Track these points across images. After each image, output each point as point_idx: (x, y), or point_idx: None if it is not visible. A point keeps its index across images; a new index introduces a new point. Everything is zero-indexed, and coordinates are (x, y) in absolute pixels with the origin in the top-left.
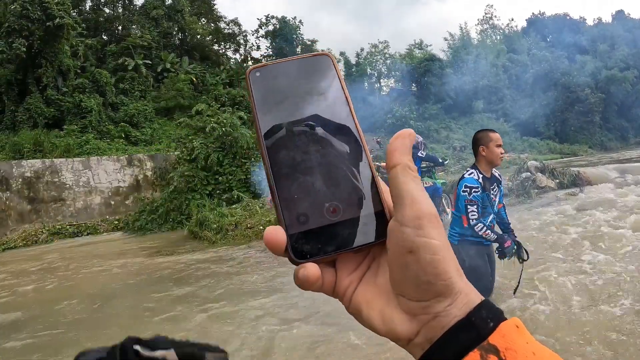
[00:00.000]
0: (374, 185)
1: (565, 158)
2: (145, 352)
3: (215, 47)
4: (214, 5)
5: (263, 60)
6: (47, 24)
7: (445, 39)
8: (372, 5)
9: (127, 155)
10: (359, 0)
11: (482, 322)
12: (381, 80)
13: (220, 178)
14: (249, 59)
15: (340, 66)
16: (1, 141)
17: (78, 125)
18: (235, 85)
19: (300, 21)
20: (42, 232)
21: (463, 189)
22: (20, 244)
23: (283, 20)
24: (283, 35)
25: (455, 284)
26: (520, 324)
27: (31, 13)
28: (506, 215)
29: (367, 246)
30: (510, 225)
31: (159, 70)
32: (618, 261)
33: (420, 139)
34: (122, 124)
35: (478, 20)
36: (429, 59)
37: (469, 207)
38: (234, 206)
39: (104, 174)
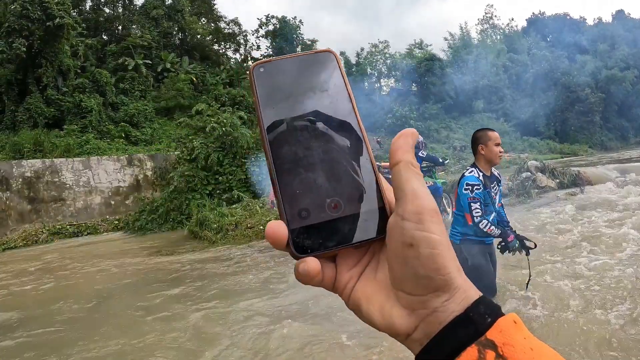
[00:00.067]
0: (375, 182)
1: (566, 158)
2: None
3: (215, 47)
4: (214, 5)
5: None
6: (47, 23)
7: (446, 39)
8: (372, 5)
9: (127, 155)
10: (359, 0)
11: (480, 317)
12: (381, 80)
13: (220, 178)
14: (249, 58)
15: None
16: (1, 141)
17: (78, 125)
18: (235, 85)
19: (300, 21)
20: (42, 232)
21: (465, 187)
22: (21, 244)
23: (283, 20)
24: (283, 35)
25: (454, 280)
26: (518, 320)
27: (31, 13)
28: (505, 215)
29: (367, 242)
30: (509, 224)
31: (159, 70)
32: (616, 264)
33: (421, 139)
34: (122, 123)
35: (478, 20)
36: (429, 58)
37: (472, 204)
38: (234, 206)
39: (104, 174)
